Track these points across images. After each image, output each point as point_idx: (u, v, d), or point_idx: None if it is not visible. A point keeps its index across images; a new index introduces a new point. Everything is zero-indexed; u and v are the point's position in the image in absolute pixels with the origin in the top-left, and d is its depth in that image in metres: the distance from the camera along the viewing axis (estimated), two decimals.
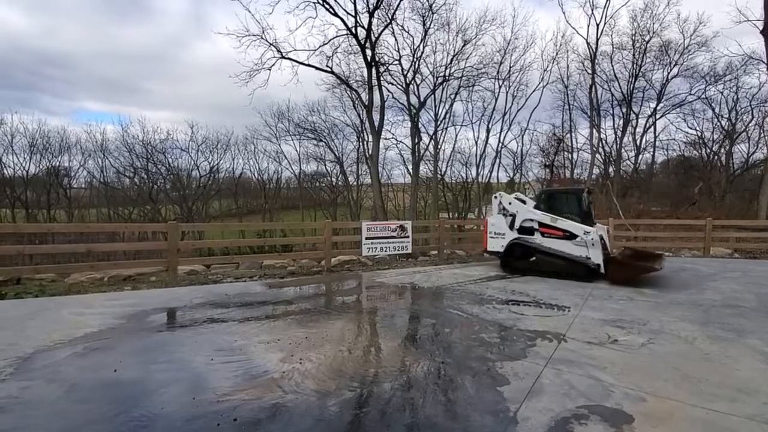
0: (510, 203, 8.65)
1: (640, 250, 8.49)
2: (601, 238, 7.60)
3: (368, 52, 18.86)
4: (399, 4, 18.97)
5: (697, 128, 26.30)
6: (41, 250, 13.93)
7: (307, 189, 37.14)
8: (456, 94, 25.71)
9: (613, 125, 26.76)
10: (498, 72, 25.25)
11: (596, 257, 7.29)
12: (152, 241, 10.14)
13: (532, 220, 8.14)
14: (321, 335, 4.18)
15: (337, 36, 18.71)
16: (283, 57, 18.01)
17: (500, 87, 26.13)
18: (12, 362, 3.37)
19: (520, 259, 8.41)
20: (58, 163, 26.89)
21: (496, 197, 9.17)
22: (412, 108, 24.04)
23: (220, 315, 4.90)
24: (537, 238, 8.04)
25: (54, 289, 6.60)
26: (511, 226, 8.46)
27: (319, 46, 18.77)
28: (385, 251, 9.79)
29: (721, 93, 24.32)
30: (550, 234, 7.85)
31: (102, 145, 27.46)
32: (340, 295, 6.54)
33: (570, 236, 7.59)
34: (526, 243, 8.26)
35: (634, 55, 24.28)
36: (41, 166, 26.51)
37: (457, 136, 28.76)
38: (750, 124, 24.32)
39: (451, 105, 26.33)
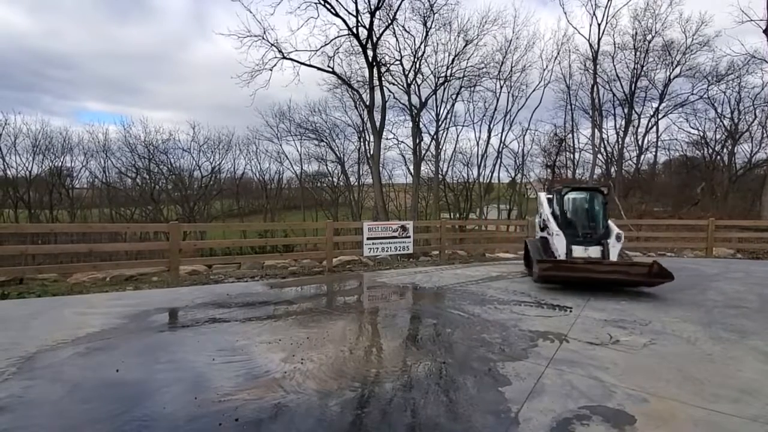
0: (541, 203, 8.66)
1: (662, 268, 6.18)
2: (604, 244, 7.09)
3: (369, 52, 18.89)
4: (400, 4, 19.01)
5: (700, 128, 26.32)
6: (44, 250, 13.97)
7: (309, 189, 37.19)
8: (457, 94, 25.76)
9: (615, 125, 26.80)
10: (499, 72, 25.28)
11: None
12: (154, 242, 10.17)
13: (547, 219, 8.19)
14: (322, 335, 4.18)
15: (338, 36, 18.78)
16: (284, 57, 18.06)
17: (501, 87, 26.18)
18: (15, 362, 3.38)
19: (527, 258, 8.51)
20: (60, 164, 27.00)
21: (534, 198, 9.28)
22: (413, 108, 24.05)
23: (222, 315, 4.91)
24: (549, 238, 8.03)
25: (56, 288, 6.63)
26: (539, 225, 8.56)
27: (321, 47, 18.85)
28: (387, 251, 9.79)
29: (724, 93, 24.35)
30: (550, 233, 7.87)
31: (104, 146, 27.58)
32: (341, 296, 6.54)
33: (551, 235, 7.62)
34: (527, 242, 8.39)
35: (636, 54, 24.28)
36: (44, 167, 26.64)
37: (458, 136, 28.82)
38: (753, 124, 24.34)
39: (453, 105, 26.39)
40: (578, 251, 7.05)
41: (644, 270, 6.21)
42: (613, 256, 6.87)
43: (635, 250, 12.62)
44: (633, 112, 25.57)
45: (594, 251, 7.04)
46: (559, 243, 7.20)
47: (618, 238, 6.95)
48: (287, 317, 4.88)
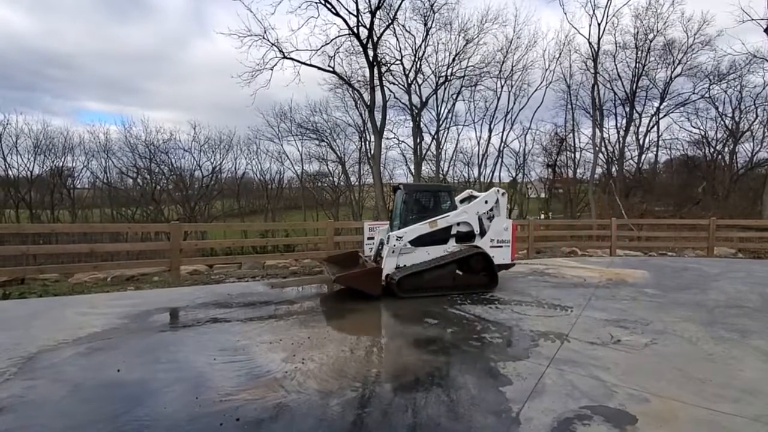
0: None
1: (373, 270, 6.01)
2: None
3: (370, 52, 18.87)
4: (401, 4, 18.98)
5: (701, 127, 26.22)
6: (45, 251, 13.98)
7: (310, 189, 37.18)
8: (458, 93, 25.77)
9: (616, 124, 26.71)
10: (500, 71, 25.25)
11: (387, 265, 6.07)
12: (155, 242, 10.18)
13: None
14: (323, 335, 4.19)
15: (338, 36, 18.76)
16: (285, 57, 18.04)
17: (502, 86, 26.16)
18: (16, 362, 3.39)
19: None
20: (61, 164, 26.99)
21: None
22: (413, 108, 24.06)
23: (223, 315, 4.91)
24: None
25: (57, 289, 6.63)
26: None
27: (321, 46, 18.84)
28: None
29: (725, 92, 24.25)
30: None
31: (105, 146, 27.58)
32: (342, 295, 6.53)
33: None
34: None
35: (637, 54, 24.23)
36: (45, 167, 26.64)
37: (459, 135, 28.83)
38: (754, 123, 24.24)
39: (453, 104, 26.38)
40: (384, 251, 6.48)
41: (359, 272, 6.02)
42: (384, 260, 6.06)
43: (637, 249, 12.61)
44: (634, 111, 25.52)
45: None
46: (375, 241, 7.00)
47: (387, 240, 6.20)
48: (288, 317, 4.88)
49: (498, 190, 6.99)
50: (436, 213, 6.51)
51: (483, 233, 6.65)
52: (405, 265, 6.13)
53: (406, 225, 6.28)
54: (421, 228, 6.25)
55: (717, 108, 24.82)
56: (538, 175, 31.79)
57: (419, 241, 6.25)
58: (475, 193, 7.20)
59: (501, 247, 6.72)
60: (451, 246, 6.49)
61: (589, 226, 15.01)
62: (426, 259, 6.25)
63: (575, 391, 2.94)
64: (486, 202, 6.77)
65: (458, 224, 6.54)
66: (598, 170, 26.45)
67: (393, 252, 6.07)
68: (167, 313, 5.01)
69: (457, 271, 6.40)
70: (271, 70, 17.88)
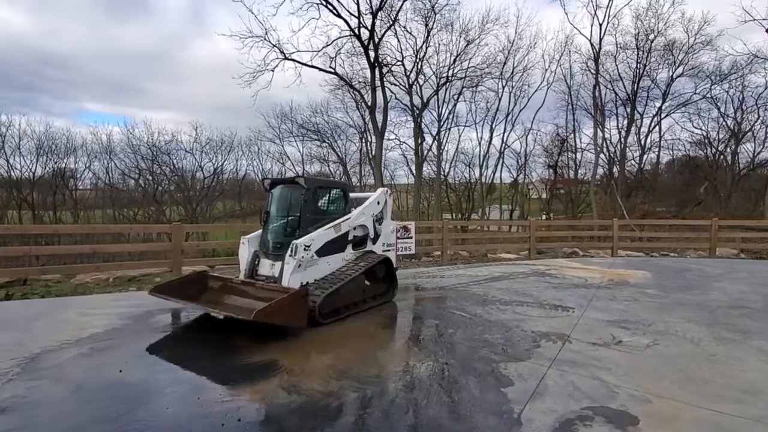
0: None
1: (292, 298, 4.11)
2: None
3: (371, 53, 18.89)
4: (402, 5, 19.02)
5: (703, 128, 26.17)
6: (47, 251, 14.03)
7: None
8: (459, 94, 25.76)
9: (618, 125, 26.66)
10: (501, 72, 25.25)
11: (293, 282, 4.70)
12: (157, 242, 10.20)
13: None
14: (324, 336, 4.19)
15: (340, 37, 18.79)
16: (286, 58, 18.09)
17: (504, 87, 26.18)
18: (19, 362, 3.40)
19: None
20: (64, 165, 27.08)
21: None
22: (415, 109, 24.09)
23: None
24: None
25: (60, 289, 6.65)
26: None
27: (323, 47, 18.89)
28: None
29: (727, 92, 24.19)
30: None
31: (107, 147, 27.66)
32: None
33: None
34: None
35: (638, 54, 24.20)
36: (47, 168, 26.72)
37: (460, 136, 28.80)
38: (756, 123, 24.18)
39: (455, 105, 26.38)
40: (266, 267, 5.10)
41: (281, 300, 3.93)
42: (286, 277, 4.67)
43: (638, 250, 12.59)
44: (635, 111, 25.47)
45: (278, 268, 4.89)
46: (241, 254, 5.31)
47: (293, 251, 4.67)
48: None
49: (386, 191, 6.39)
50: (333, 215, 5.49)
51: (376, 237, 5.98)
52: (308, 282, 4.84)
53: (306, 231, 5.05)
54: (327, 234, 5.15)
55: (719, 108, 24.80)
56: (540, 175, 31.81)
57: (322, 250, 5.08)
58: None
59: (389, 250, 6.20)
60: (349, 254, 5.50)
61: (590, 226, 15.01)
62: (329, 271, 5.13)
63: (577, 392, 2.94)
64: (378, 203, 6.07)
65: (354, 228, 5.63)
66: (600, 171, 26.44)
67: (300, 266, 4.74)
68: (169, 314, 5.02)
69: (366, 282, 5.57)
70: (272, 71, 17.94)
